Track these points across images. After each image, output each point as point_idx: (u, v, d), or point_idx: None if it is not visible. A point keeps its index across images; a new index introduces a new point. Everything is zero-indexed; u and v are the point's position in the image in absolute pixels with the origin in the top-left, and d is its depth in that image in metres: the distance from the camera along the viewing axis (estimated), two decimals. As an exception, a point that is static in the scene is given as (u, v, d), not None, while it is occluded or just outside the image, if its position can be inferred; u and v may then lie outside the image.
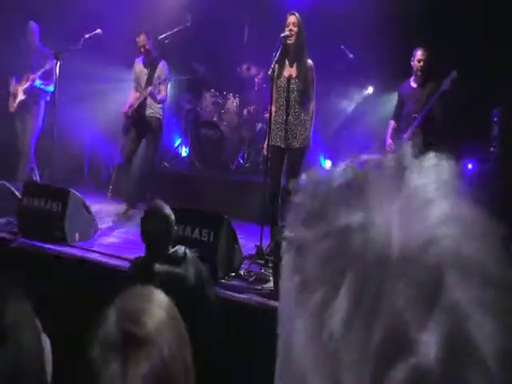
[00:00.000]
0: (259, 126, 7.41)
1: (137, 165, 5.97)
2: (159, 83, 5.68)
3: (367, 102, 7.55)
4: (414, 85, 5.53)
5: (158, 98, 5.74)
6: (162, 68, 5.88)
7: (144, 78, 5.87)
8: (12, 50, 6.66)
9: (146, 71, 5.90)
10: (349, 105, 7.59)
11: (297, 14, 4.63)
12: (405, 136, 5.45)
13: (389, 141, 5.62)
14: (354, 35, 6.84)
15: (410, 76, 5.53)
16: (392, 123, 5.69)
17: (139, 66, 5.98)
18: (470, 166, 6.44)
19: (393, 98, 6.79)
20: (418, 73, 5.43)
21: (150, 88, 5.65)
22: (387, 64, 6.57)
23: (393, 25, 6.55)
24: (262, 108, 7.29)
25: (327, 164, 7.49)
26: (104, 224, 4.90)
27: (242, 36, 7.57)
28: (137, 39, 5.84)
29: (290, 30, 4.54)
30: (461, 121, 6.18)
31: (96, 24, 6.01)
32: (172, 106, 7.74)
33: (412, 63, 5.43)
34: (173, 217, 2.99)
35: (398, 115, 5.67)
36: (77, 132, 7.18)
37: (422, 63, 5.36)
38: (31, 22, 6.45)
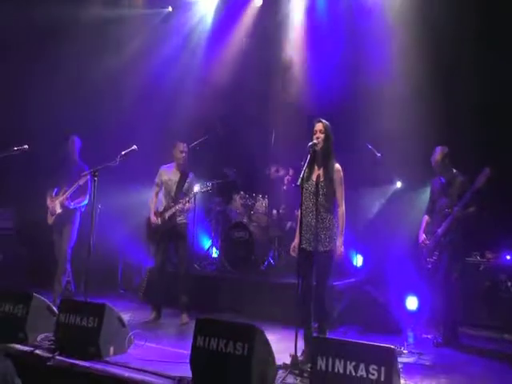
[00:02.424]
0: (289, 224, 7.51)
1: (169, 270, 6.13)
2: (189, 199, 6.03)
3: (396, 195, 7.63)
4: (442, 180, 5.62)
5: (186, 208, 6.09)
6: (192, 181, 6.26)
7: (174, 187, 6.16)
8: (53, 163, 7.08)
9: (175, 180, 6.19)
10: (378, 200, 7.66)
11: (323, 121, 4.73)
12: (439, 231, 5.45)
13: (422, 235, 5.62)
14: (379, 133, 7.08)
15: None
16: (426, 218, 5.73)
17: (168, 173, 6.25)
18: (508, 257, 6.32)
19: (421, 191, 6.89)
20: (440, 170, 5.54)
21: (179, 206, 5.99)
22: (414, 159, 6.72)
23: (419, 119, 6.77)
24: (290, 207, 7.42)
25: (359, 259, 7.45)
26: (138, 335, 4.90)
27: (270, 139, 7.87)
28: (181, 149, 6.17)
29: (317, 138, 4.67)
30: (498, 212, 6.16)
31: (129, 137, 6.37)
32: (203, 208, 7.96)
33: (432, 162, 5.56)
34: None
35: (430, 210, 5.71)
36: (110, 238, 7.41)
37: (436, 167, 5.52)
38: (74, 136, 6.84)
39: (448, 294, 5.38)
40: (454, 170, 5.55)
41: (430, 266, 5.52)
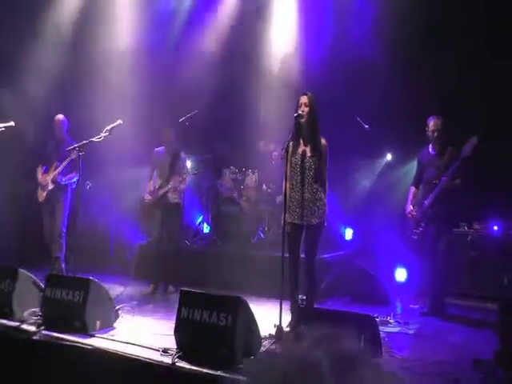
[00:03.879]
0: (279, 198, 7.50)
1: (164, 246, 6.22)
2: (183, 178, 6.26)
3: (386, 168, 7.62)
4: (432, 152, 5.59)
5: (179, 188, 6.32)
6: (183, 160, 6.48)
7: (167, 168, 6.32)
8: (41, 140, 7.05)
9: (168, 162, 6.35)
10: (367, 173, 7.65)
11: (309, 94, 4.72)
12: (426, 202, 5.45)
13: (409, 207, 5.62)
14: (367, 105, 7.03)
15: (429, 143, 5.61)
16: (412, 189, 5.72)
17: (160, 156, 6.43)
18: (495, 227, 6.35)
19: (410, 163, 6.89)
20: (434, 140, 5.51)
21: (172, 183, 6.18)
22: (404, 130, 6.70)
23: (407, 90, 6.72)
24: (280, 182, 7.38)
25: (348, 232, 7.48)
26: (126, 309, 4.95)
27: (259, 113, 7.83)
28: (165, 132, 6.39)
29: (302, 111, 4.66)
30: (486, 183, 6.17)
31: (117, 111, 6.34)
32: (192, 184, 7.95)
33: (427, 132, 5.52)
34: None
35: (418, 181, 5.70)
36: (102, 215, 7.43)
37: (435, 131, 5.45)
38: (59, 115, 6.83)
39: (434, 265, 5.41)
40: (444, 143, 5.53)
41: (416, 238, 5.54)
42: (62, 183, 6.63)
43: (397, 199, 6.69)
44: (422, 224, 5.48)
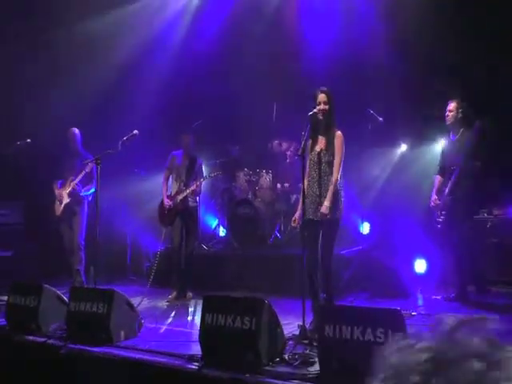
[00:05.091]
0: (294, 197, 7.48)
1: (182, 252, 6.33)
2: (201, 182, 6.34)
3: (402, 159, 7.56)
4: (453, 138, 5.56)
5: (197, 191, 6.40)
6: (200, 166, 6.60)
7: (184, 172, 6.40)
8: (56, 155, 7.12)
9: (185, 166, 6.44)
10: (384, 166, 7.60)
11: (326, 91, 4.65)
12: (446, 189, 5.40)
13: (434, 196, 5.56)
14: (380, 96, 6.98)
15: (450, 130, 5.58)
16: (438, 178, 5.67)
17: (178, 159, 6.51)
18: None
19: (426, 152, 6.84)
20: (450, 124, 5.47)
21: (193, 187, 6.25)
22: (417, 120, 6.63)
23: (420, 77, 6.66)
24: (295, 180, 7.39)
25: (365, 226, 7.43)
26: (149, 318, 4.98)
27: (271, 113, 7.80)
28: (184, 138, 6.48)
29: (321, 109, 4.59)
30: (505, 167, 6.09)
31: (132, 123, 6.38)
32: (208, 187, 7.97)
33: (448, 114, 5.48)
34: None
35: (442, 170, 5.65)
36: (119, 225, 7.47)
37: (451, 114, 5.40)
38: (73, 129, 6.89)
39: (455, 252, 5.36)
40: (463, 128, 5.47)
41: (439, 226, 5.48)
42: (81, 194, 6.68)
43: (414, 189, 6.63)
44: (444, 212, 5.43)
